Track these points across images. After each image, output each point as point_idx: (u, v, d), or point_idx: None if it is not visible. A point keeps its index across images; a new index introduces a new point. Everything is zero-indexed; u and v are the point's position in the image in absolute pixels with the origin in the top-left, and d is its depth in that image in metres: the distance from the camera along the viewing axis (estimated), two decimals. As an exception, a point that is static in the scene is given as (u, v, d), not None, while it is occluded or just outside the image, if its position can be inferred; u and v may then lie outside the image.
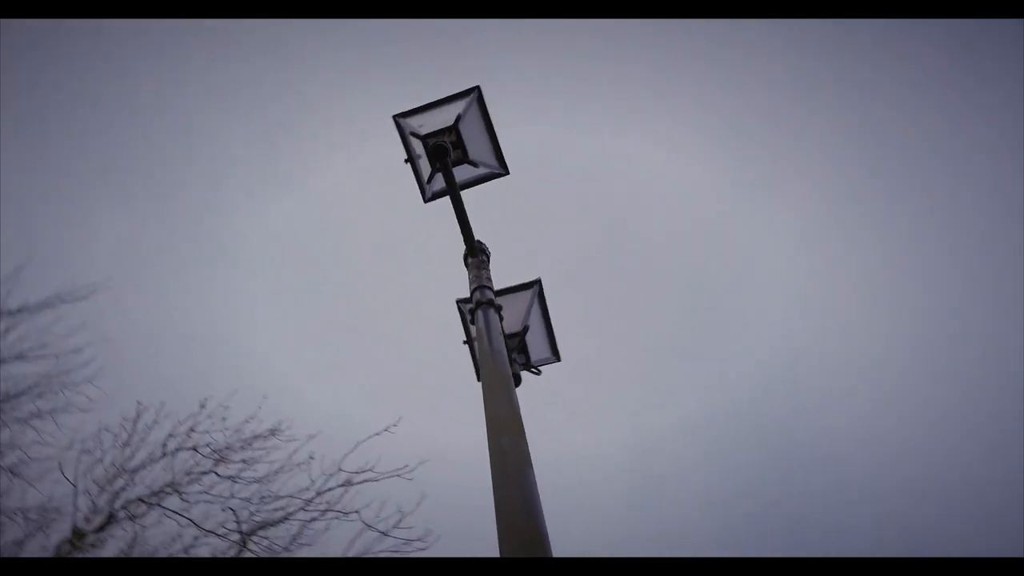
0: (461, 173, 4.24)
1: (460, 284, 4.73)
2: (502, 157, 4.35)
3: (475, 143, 4.22)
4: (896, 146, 13.38)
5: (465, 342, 4.80)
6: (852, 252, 14.25)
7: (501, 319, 3.77)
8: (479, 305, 3.76)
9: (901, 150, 13.40)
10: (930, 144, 13.17)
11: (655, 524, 13.20)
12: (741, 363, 14.88)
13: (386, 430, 7.94)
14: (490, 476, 2.51)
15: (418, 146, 4.25)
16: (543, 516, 2.35)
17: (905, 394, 13.55)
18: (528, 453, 2.65)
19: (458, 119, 4.16)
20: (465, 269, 4.24)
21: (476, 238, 4.25)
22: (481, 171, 4.33)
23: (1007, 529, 11.32)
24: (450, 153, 4.16)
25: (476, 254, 4.15)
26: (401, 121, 4.26)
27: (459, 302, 4.82)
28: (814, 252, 14.39)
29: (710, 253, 15.53)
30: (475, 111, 4.23)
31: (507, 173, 4.38)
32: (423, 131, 4.20)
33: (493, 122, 4.29)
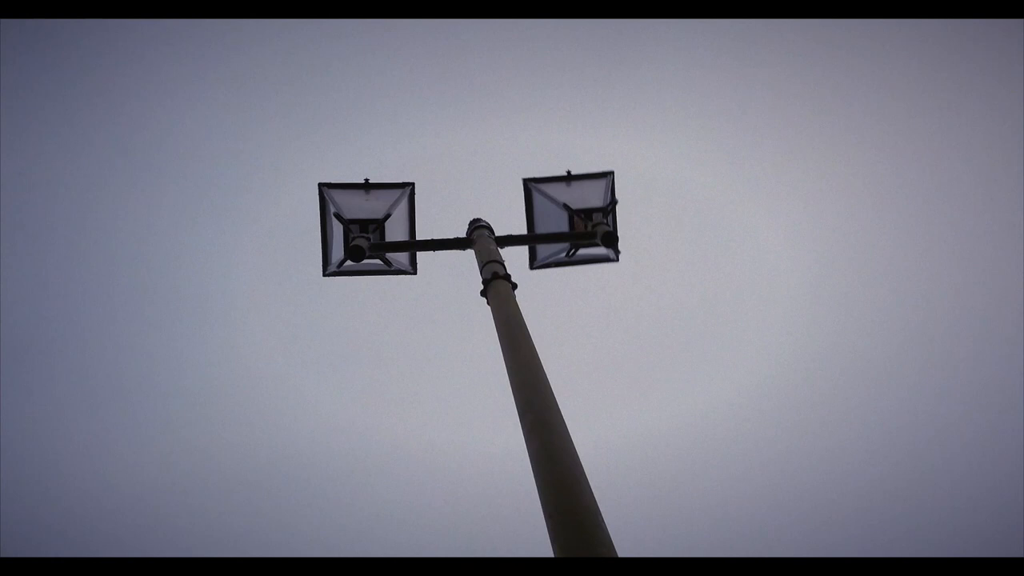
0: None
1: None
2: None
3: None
4: (896, 146, 13.53)
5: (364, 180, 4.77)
6: (851, 252, 14.29)
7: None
8: (492, 280, 3.67)
9: (900, 150, 13.54)
10: (930, 144, 13.32)
11: (649, 524, 12.93)
12: (740, 364, 14.79)
13: None
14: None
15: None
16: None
17: (904, 393, 13.54)
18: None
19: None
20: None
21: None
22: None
23: (1007, 529, 11.28)
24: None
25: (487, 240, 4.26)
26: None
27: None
28: (814, 252, 14.39)
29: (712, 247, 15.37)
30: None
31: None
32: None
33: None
